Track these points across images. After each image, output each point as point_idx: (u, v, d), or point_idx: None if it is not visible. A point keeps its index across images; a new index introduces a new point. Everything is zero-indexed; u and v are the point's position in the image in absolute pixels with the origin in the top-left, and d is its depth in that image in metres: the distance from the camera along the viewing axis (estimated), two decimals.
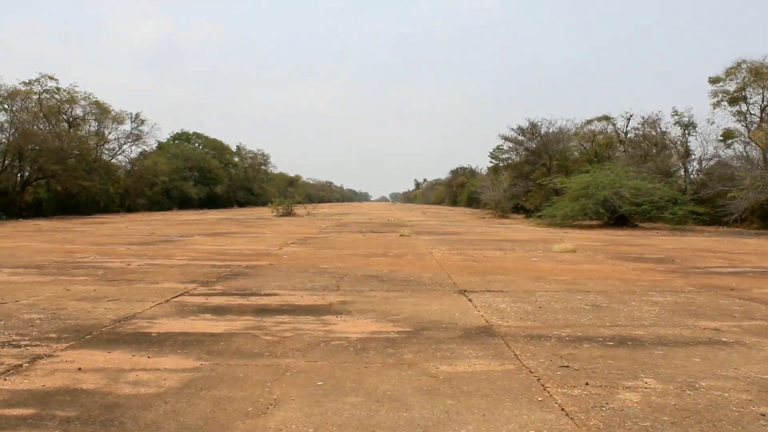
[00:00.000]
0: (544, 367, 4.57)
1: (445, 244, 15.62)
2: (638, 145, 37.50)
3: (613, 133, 42.83)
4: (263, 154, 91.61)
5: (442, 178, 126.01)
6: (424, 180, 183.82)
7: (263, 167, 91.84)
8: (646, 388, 4.13)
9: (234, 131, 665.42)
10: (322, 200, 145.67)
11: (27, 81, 40.14)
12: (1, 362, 4.67)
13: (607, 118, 43.24)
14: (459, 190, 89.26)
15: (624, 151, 39.45)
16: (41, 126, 40.50)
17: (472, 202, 69.10)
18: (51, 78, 41.67)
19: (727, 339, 5.58)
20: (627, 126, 42.00)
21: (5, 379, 4.26)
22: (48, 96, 41.50)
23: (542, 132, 42.97)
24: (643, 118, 38.42)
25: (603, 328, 5.78)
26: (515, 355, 4.88)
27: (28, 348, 5.04)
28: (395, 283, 8.54)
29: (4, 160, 36.59)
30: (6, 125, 36.74)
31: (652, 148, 35.56)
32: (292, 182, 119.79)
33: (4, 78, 55.39)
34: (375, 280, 8.83)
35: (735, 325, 6.20)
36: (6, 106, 37.35)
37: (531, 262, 11.45)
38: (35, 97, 40.30)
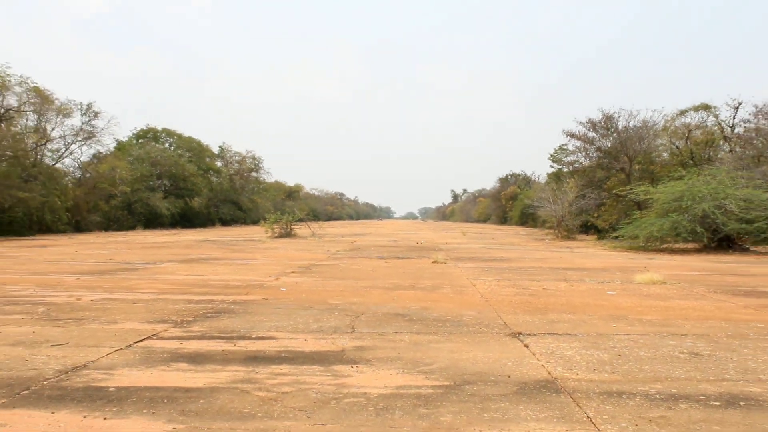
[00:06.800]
0: None
1: (493, 274, 13.12)
2: (749, 142, 29.62)
3: (716, 127, 34.14)
4: (254, 158, 74.79)
5: (488, 189, 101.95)
6: (464, 191, 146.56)
7: (254, 174, 74.69)
8: None
9: (216, 130, 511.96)
10: (330, 217, 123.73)
11: None
12: None
13: (707, 108, 34.30)
14: (509, 205, 73.43)
15: (730, 151, 31.59)
16: None
17: (527, 219, 57.32)
18: None
19: None
20: (734, 117, 33.28)
21: None
22: None
23: (620, 127, 32.80)
24: (756, 107, 30.35)
25: (705, 383, 4.90)
26: (588, 417, 4.12)
27: None
28: (427, 324, 7.31)
29: None
30: None
31: None
32: (291, 194, 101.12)
33: None
34: (401, 320, 7.55)
35: None
36: None
37: (606, 298, 9.73)
38: None
